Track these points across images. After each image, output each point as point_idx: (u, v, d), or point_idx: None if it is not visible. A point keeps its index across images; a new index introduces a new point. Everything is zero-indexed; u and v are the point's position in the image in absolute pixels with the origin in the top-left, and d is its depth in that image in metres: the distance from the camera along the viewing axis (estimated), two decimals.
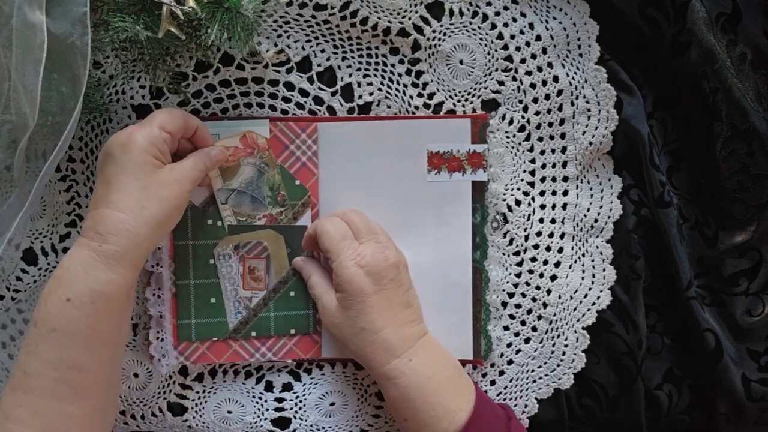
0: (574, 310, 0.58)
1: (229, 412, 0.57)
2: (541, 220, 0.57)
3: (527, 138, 0.57)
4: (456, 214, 0.55)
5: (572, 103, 0.56)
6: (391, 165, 0.55)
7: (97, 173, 0.46)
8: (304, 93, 0.55)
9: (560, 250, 0.57)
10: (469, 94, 0.56)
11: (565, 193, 0.57)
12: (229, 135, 0.53)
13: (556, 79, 0.56)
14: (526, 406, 0.58)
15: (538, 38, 0.55)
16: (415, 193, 0.55)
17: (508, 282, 0.57)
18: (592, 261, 0.58)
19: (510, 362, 0.58)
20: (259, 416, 0.57)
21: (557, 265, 0.57)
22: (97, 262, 0.43)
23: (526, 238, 0.57)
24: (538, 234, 0.57)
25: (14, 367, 0.43)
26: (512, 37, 0.55)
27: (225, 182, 0.54)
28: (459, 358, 0.54)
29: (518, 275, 0.57)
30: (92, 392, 0.44)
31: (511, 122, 0.56)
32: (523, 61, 0.55)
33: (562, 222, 0.57)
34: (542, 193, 0.57)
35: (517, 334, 0.58)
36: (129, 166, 0.44)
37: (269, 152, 0.54)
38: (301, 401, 0.57)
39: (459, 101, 0.56)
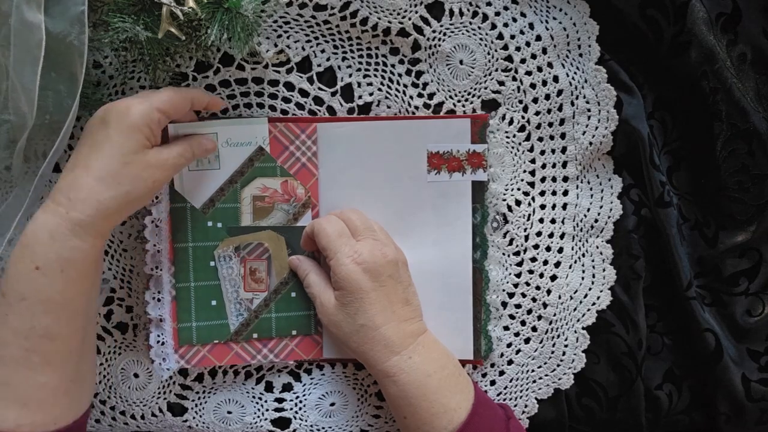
0: (574, 310, 0.58)
1: (229, 413, 0.57)
2: (541, 220, 0.57)
3: (527, 138, 0.57)
4: (456, 214, 0.55)
5: (572, 103, 0.56)
6: (391, 165, 0.55)
7: (84, 134, 0.45)
8: (304, 93, 0.55)
9: (560, 250, 0.57)
10: (469, 94, 0.56)
11: (565, 193, 0.57)
12: (272, 176, 0.54)
13: (556, 79, 0.56)
14: (526, 406, 0.58)
15: (538, 38, 0.55)
16: (415, 194, 0.55)
17: (508, 282, 0.57)
18: (592, 261, 0.58)
19: (510, 362, 0.58)
20: (259, 416, 0.57)
21: (557, 265, 0.58)
22: (64, 229, 0.42)
23: (526, 238, 0.57)
24: (538, 234, 0.57)
25: None
26: (512, 37, 0.55)
27: (255, 221, 0.54)
28: (459, 358, 0.54)
29: (518, 275, 0.57)
30: (64, 362, 0.43)
31: (511, 122, 0.56)
32: (523, 61, 0.55)
33: (562, 222, 0.57)
34: (542, 193, 0.57)
35: (517, 334, 0.58)
36: (118, 138, 0.43)
37: (309, 197, 0.54)
38: (301, 401, 0.57)
39: (459, 101, 0.56)
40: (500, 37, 0.55)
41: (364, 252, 0.49)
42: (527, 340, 0.58)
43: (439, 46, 0.55)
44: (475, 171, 0.55)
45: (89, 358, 0.47)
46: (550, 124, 0.56)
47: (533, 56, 0.56)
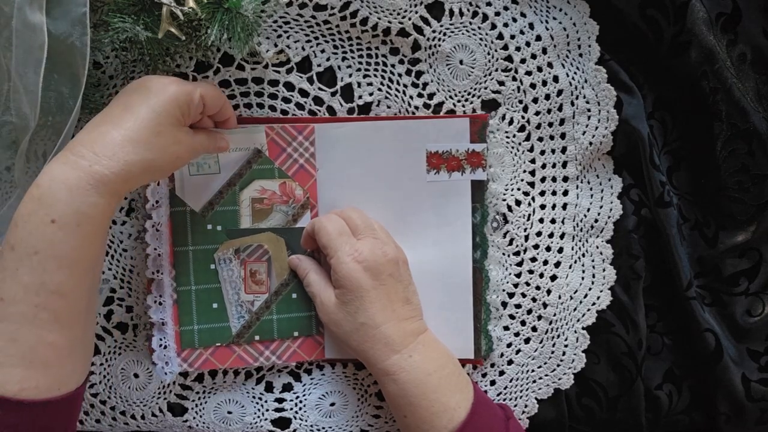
0: (574, 310, 0.58)
1: (230, 413, 0.57)
2: (541, 220, 0.57)
3: (527, 138, 0.57)
4: (456, 213, 0.55)
5: (572, 103, 0.56)
6: (390, 165, 0.55)
7: (118, 97, 0.45)
8: (304, 93, 0.55)
9: (560, 250, 0.57)
10: (469, 94, 0.56)
11: (565, 193, 0.57)
12: (270, 178, 0.54)
13: (556, 79, 0.56)
14: (526, 406, 0.58)
15: (538, 38, 0.55)
16: (414, 193, 0.55)
17: (508, 282, 0.57)
18: (592, 261, 0.58)
19: (510, 362, 0.58)
20: (259, 417, 0.57)
21: (557, 265, 0.58)
22: (85, 183, 0.41)
23: (526, 238, 0.57)
24: (538, 234, 0.57)
25: None
26: (512, 37, 0.55)
27: (254, 223, 0.54)
28: (459, 357, 0.54)
29: (518, 275, 0.57)
30: (74, 321, 0.42)
31: (511, 122, 0.56)
32: (523, 61, 0.55)
33: (562, 222, 0.57)
34: (542, 193, 0.57)
35: (517, 334, 0.58)
36: (156, 106, 0.43)
37: (308, 199, 0.55)
38: (301, 401, 0.57)
39: (459, 101, 0.56)
40: (500, 37, 0.55)
41: (364, 250, 0.49)
42: (527, 340, 0.58)
43: (439, 46, 0.55)
44: (474, 170, 0.55)
45: (92, 323, 0.46)
46: (550, 124, 0.56)
47: (533, 56, 0.56)
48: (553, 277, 0.58)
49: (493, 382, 0.58)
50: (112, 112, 0.44)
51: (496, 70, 0.55)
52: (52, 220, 0.40)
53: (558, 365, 0.58)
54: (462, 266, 0.55)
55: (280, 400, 0.57)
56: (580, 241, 0.58)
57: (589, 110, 0.56)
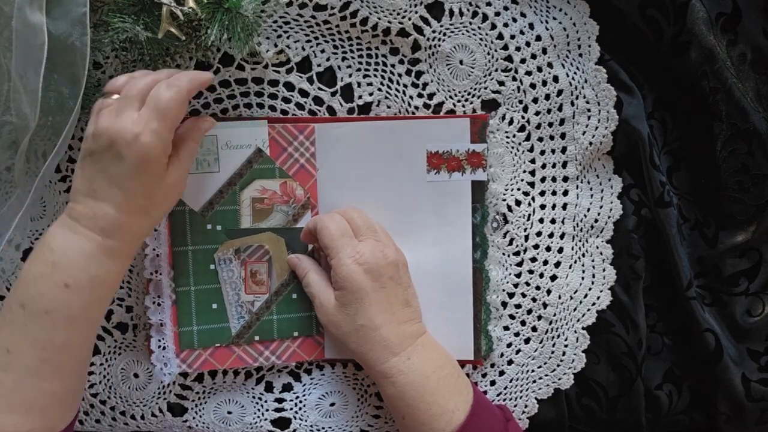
0: (574, 310, 0.58)
1: (229, 413, 0.57)
2: (541, 220, 0.57)
3: (527, 138, 0.57)
4: (456, 213, 0.55)
5: (572, 103, 0.56)
6: (390, 165, 0.55)
7: (93, 161, 0.43)
8: (304, 93, 0.55)
9: (560, 250, 0.57)
10: (469, 94, 0.56)
11: (565, 193, 0.57)
12: (271, 178, 0.54)
13: (556, 79, 0.56)
14: (526, 406, 0.58)
15: (538, 38, 0.55)
16: (414, 194, 0.55)
17: (508, 282, 0.57)
18: (592, 261, 0.58)
19: (510, 362, 0.58)
20: (259, 417, 0.57)
21: (557, 265, 0.58)
22: (99, 252, 0.43)
23: (526, 238, 0.57)
24: (538, 234, 0.57)
25: None
26: (512, 37, 0.55)
27: (254, 223, 0.54)
28: (459, 358, 0.54)
29: (518, 275, 0.57)
30: (75, 372, 0.44)
31: (511, 122, 0.56)
32: (523, 61, 0.55)
33: (562, 222, 0.57)
34: (542, 193, 0.57)
35: (517, 334, 0.58)
36: (138, 175, 0.42)
37: (308, 199, 0.54)
38: (301, 401, 0.57)
39: (459, 101, 0.56)
40: (500, 37, 0.55)
41: (365, 252, 0.49)
42: (527, 340, 0.58)
43: (439, 46, 0.55)
44: (474, 171, 0.55)
45: (87, 368, 0.48)
46: (550, 124, 0.56)
47: (533, 56, 0.56)
48: (553, 277, 0.58)
49: (493, 383, 0.58)
50: (98, 183, 0.42)
51: (496, 70, 0.55)
52: (65, 284, 0.42)
53: (558, 365, 0.58)
54: (462, 266, 0.55)
55: (279, 400, 0.57)
56: (580, 241, 0.58)
57: (589, 110, 0.56)
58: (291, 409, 0.57)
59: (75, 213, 0.43)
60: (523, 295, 0.58)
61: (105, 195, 0.43)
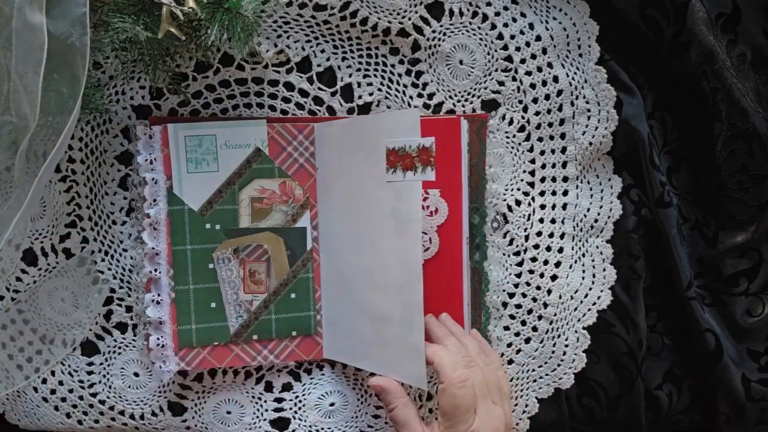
0: (575, 310, 0.58)
1: (229, 413, 0.57)
2: (541, 220, 0.57)
3: (527, 138, 0.57)
4: (409, 219, 0.49)
5: (572, 104, 0.56)
6: (359, 165, 0.51)
7: None
8: (303, 93, 0.55)
9: (560, 250, 0.57)
10: (469, 94, 0.56)
11: (565, 193, 0.57)
12: (270, 178, 0.53)
13: (556, 79, 0.56)
14: (526, 405, 0.58)
15: (538, 38, 0.55)
16: (376, 195, 0.50)
17: (508, 282, 0.57)
18: (592, 261, 0.58)
19: (510, 362, 0.58)
20: (258, 417, 0.57)
21: (557, 265, 0.58)
22: None
23: (526, 238, 0.57)
24: (538, 234, 0.57)
25: None
26: (512, 37, 0.55)
27: (253, 223, 0.54)
28: (407, 383, 0.51)
29: (518, 275, 0.57)
30: None
31: (511, 122, 0.56)
32: (523, 61, 0.55)
33: (562, 222, 0.57)
34: (542, 193, 0.57)
35: (517, 334, 0.58)
36: None
37: (307, 199, 0.54)
38: (300, 401, 0.57)
39: (459, 101, 0.56)
40: (500, 37, 0.55)
41: (481, 428, 0.47)
42: (528, 340, 0.58)
43: (439, 46, 0.55)
44: (424, 170, 0.49)
45: None
46: (550, 124, 0.56)
47: (533, 56, 0.56)
48: (554, 277, 0.58)
49: None
50: None
51: (496, 70, 0.55)
52: None
53: (558, 365, 0.58)
54: (413, 280, 0.49)
55: (279, 400, 0.57)
56: (580, 241, 0.58)
57: (589, 110, 0.56)
58: (290, 409, 0.57)
59: None
60: (524, 295, 0.58)
61: None
